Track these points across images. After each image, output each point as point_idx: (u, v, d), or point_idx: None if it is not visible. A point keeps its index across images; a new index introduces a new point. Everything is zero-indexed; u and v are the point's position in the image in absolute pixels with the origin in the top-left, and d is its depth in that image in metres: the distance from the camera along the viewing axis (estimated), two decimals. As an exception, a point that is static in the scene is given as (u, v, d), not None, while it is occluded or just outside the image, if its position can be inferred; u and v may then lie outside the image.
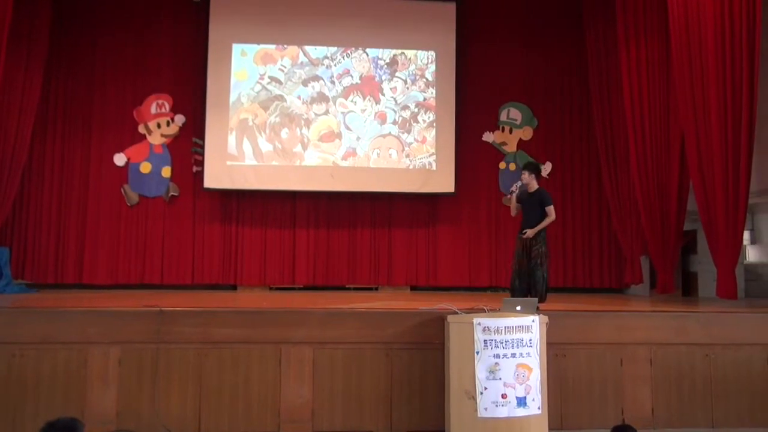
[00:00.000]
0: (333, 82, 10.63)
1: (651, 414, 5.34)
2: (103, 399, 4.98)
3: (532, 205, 6.22)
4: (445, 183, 10.64)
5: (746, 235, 10.05)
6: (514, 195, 6.38)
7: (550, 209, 6.16)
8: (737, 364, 5.46)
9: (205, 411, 5.05)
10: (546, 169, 10.99)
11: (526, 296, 6.19)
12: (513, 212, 6.43)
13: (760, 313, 5.93)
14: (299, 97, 10.54)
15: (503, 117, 11.17)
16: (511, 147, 11.12)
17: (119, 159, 10.35)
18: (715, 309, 6.52)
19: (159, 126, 10.52)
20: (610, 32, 10.07)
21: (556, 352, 5.23)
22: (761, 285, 10.22)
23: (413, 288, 10.73)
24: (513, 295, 6.23)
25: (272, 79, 10.53)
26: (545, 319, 4.83)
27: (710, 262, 8.08)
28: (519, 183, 6.36)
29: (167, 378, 5.05)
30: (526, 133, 11.13)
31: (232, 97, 10.42)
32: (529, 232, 6.14)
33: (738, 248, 7.75)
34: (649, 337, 5.47)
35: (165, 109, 10.56)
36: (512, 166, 11.06)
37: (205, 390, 5.07)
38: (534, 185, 6.32)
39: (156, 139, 10.50)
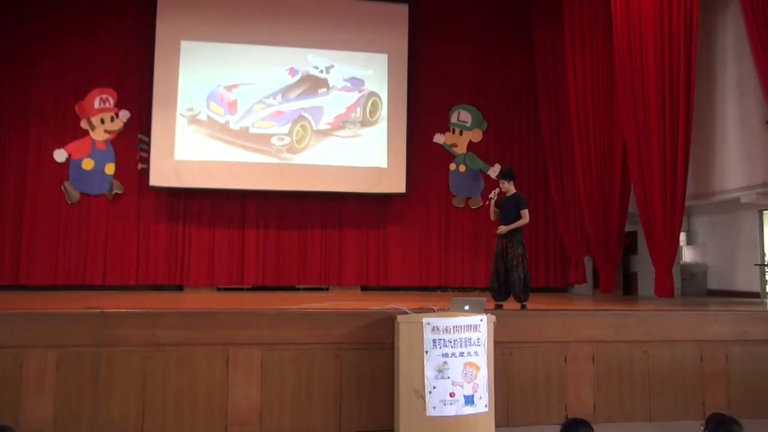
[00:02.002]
0: (285, 80, 10.52)
1: (593, 409, 5.49)
2: (39, 405, 4.77)
3: (509, 207, 6.41)
4: (396, 183, 10.71)
5: (682, 236, 10.50)
6: (493, 201, 6.50)
7: (525, 212, 6.36)
8: (673, 360, 5.69)
9: (149, 415, 4.90)
10: (494, 171, 11.20)
11: (506, 297, 6.33)
12: (492, 216, 6.58)
13: (693, 312, 6.21)
14: (250, 94, 10.40)
15: (454, 119, 11.32)
16: (461, 149, 11.28)
17: (59, 155, 9.98)
18: (653, 308, 6.78)
19: (102, 121, 10.19)
20: (558, 41, 10.38)
21: (503, 350, 5.32)
22: (696, 284, 10.69)
23: (364, 288, 10.75)
24: (494, 297, 6.36)
25: (222, 74, 10.36)
26: (493, 318, 4.91)
27: (650, 262, 8.41)
28: (497, 190, 6.47)
29: (109, 382, 4.88)
30: (476, 135, 11.31)
31: (180, 93, 10.19)
32: (503, 228, 6.33)
33: (675, 249, 8.10)
34: (592, 335, 5.63)
35: (109, 104, 10.23)
36: (462, 168, 11.23)
37: (149, 394, 4.92)
38: (512, 190, 6.51)
39: (99, 134, 10.17)
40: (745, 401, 5.68)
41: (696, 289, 10.63)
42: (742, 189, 8.71)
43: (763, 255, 9.50)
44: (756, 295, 9.27)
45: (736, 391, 5.70)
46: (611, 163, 9.40)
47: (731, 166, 9.00)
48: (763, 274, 9.30)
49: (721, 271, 10.58)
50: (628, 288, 11.03)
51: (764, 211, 9.71)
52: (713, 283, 10.68)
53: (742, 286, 9.91)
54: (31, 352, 4.84)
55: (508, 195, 6.47)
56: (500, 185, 6.52)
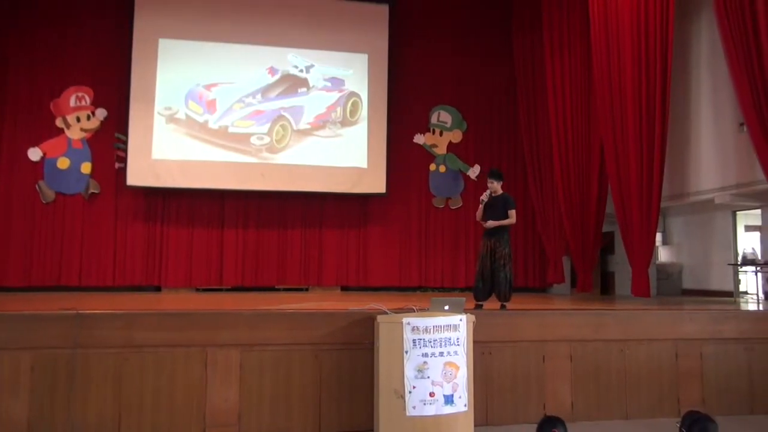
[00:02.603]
0: (265, 79, 10.47)
1: (570, 408, 5.55)
2: (13, 407, 4.68)
3: (496, 207, 6.43)
4: (376, 184, 10.71)
5: (658, 236, 10.66)
6: (484, 203, 6.50)
7: (512, 213, 6.40)
8: (649, 359, 5.77)
9: (125, 417, 4.84)
10: (474, 171, 11.28)
11: (489, 297, 6.35)
12: (478, 217, 6.56)
13: (669, 311, 6.30)
14: (229, 93, 10.33)
15: (434, 119, 11.36)
16: (441, 149, 11.33)
17: (34, 154, 9.81)
18: (629, 307, 6.88)
19: (78, 120, 10.04)
20: (537, 43, 10.48)
21: (482, 350, 5.35)
22: (671, 283, 10.87)
23: (344, 288, 10.74)
24: (476, 296, 6.37)
25: (201, 73, 10.27)
26: (472, 318, 4.93)
27: (626, 262, 8.52)
28: (488, 192, 6.46)
29: (84, 384, 4.80)
30: (456, 136, 11.36)
31: (158, 92, 10.08)
32: (491, 222, 6.35)
33: (651, 249, 8.22)
34: (570, 334, 5.69)
35: (85, 102, 10.09)
36: (442, 168, 11.28)
37: (125, 396, 4.85)
38: (499, 190, 6.53)
39: (75, 133, 10.01)
40: (719, 398, 5.79)
41: (671, 288, 10.80)
42: (716, 190, 8.88)
43: (737, 255, 9.69)
44: (729, 294, 9.44)
45: (710, 389, 5.80)
46: (589, 165, 9.51)
47: (706, 167, 9.17)
48: (736, 273, 9.48)
49: (695, 270, 10.77)
50: (606, 287, 11.17)
51: (737, 212, 9.90)
52: (688, 283, 10.86)
53: (716, 285, 10.09)
54: (4, 354, 4.75)
55: (496, 195, 6.49)
56: (489, 185, 6.51)
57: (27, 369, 4.76)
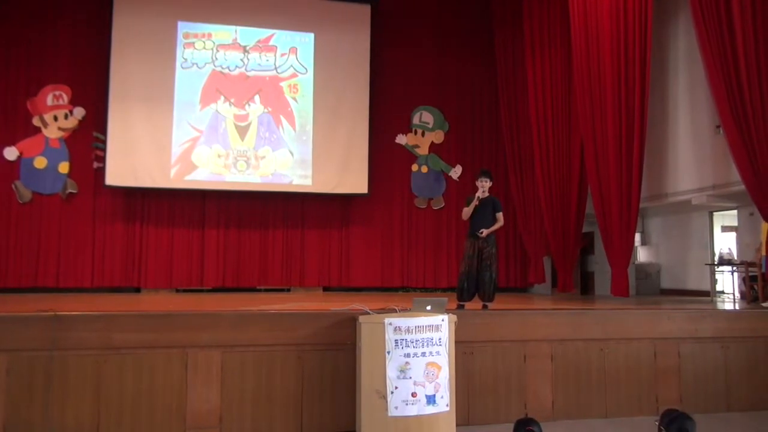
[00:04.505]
0: (246, 78, 10.41)
1: (551, 406, 5.60)
2: (-12, 412, 4.61)
3: (485, 209, 6.42)
4: (358, 184, 10.69)
5: (637, 237, 10.80)
6: (478, 201, 6.44)
7: (500, 216, 6.44)
8: (628, 358, 5.84)
9: (104, 421, 4.78)
10: (456, 172, 11.32)
11: (473, 298, 6.32)
12: (466, 215, 6.51)
13: (647, 310, 6.38)
14: (212, 89, 10.25)
15: (416, 120, 11.38)
16: (423, 150, 11.35)
17: (10, 153, 9.65)
18: (609, 306, 6.96)
19: (56, 119, 9.89)
20: (518, 44, 10.55)
21: (464, 350, 5.37)
22: (650, 283, 11.01)
23: (326, 289, 10.72)
24: (461, 297, 6.35)
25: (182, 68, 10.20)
26: (454, 318, 4.95)
27: (606, 262, 8.61)
28: (483, 190, 6.38)
29: (62, 387, 4.73)
30: (438, 137, 11.39)
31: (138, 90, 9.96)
32: (485, 231, 6.34)
33: (630, 249, 8.31)
34: (550, 333, 5.74)
35: (63, 100, 9.94)
36: (424, 169, 11.30)
37: (104, 399, 4.79)
38: (487, 191, 6.50)
39: (52, 132, 9.86)
40: (696, 396, 5.87)
41: (650, 288, 10.94)
42: (693, 191, 9.01)
43: (713, 255, 9.84)
44: (706, 293, 9.59)
45: (688, 387, 5.89)
46: (569, 166, 9.59)
47: (683, 169, 9.30)
48: (712, 273, 9.64)
49: (673, 270, 10.93)
50: (586, 287, 11.27)
51: (714, 213, 10.06)
52: (666, 282, 11.02)
53: (693, 285, 10.25)
54: (-22, 357, 4.66)
55: (484, 196, 6.45)
56: (483, 183, 6.43)
57: (3, 372, 4.67)
